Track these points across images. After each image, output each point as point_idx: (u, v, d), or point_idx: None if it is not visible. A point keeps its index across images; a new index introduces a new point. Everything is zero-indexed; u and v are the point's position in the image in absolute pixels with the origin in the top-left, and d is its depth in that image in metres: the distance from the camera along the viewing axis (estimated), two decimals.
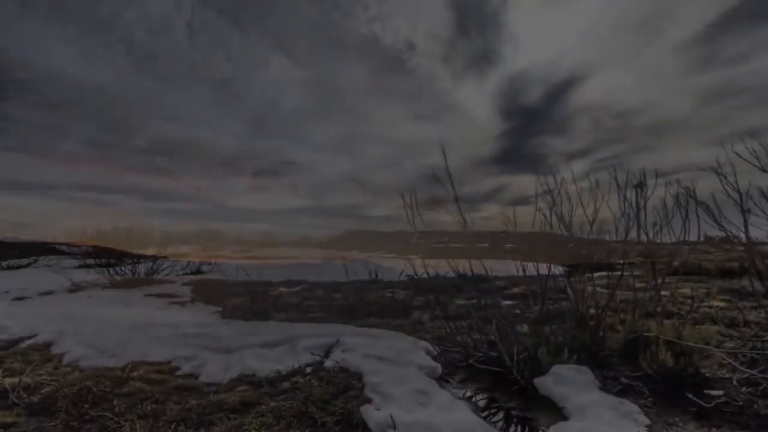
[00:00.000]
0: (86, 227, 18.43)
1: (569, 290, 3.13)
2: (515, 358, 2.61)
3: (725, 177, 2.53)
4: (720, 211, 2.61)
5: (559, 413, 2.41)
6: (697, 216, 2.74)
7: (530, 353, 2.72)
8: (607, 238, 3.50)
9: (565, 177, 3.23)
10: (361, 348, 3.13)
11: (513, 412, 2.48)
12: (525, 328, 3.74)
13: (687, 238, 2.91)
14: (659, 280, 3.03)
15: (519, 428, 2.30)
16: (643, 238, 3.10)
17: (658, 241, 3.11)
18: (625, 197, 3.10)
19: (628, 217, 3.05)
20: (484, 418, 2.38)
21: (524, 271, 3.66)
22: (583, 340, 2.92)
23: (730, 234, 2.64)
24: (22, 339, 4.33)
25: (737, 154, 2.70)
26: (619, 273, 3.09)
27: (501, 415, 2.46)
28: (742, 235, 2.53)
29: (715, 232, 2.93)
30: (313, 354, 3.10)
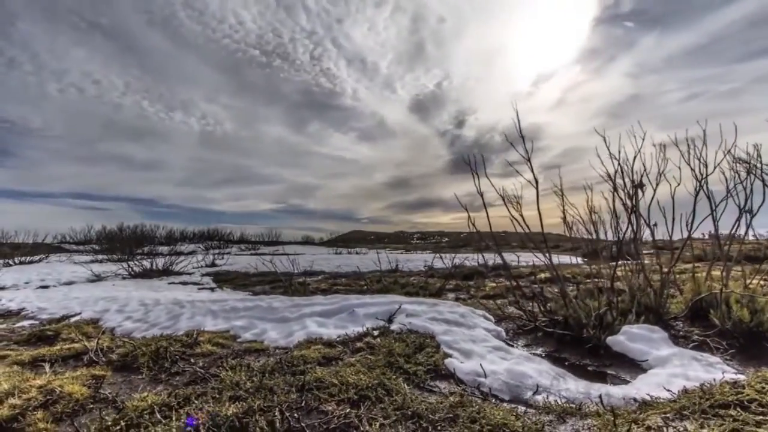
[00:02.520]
0: (90, 228, 18.50)
1: (633, 260, 3.15)
2: (592, 316, 2.63)
3: None
4: None
5: (636, 368, 2.43)
6: (763, 182, 2.76)
7: (599, 314, 2.74)
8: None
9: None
10: (423, 313, 3.15)
11: (589, 368, 2.49)
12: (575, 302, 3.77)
13: (752, 209, 2.92)
14: (725, 252, 3.07)
15: (601, 379, 2.31)
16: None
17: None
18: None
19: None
20: (566, 370, 2.40)
21: (581, 261, 3.71)
22: (648, 304, 2.94)
23: None
24: (66, 317, 4.33)
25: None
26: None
27: (579, 370, 2.47)
28: None
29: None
30: (377, 319, 3.11)
